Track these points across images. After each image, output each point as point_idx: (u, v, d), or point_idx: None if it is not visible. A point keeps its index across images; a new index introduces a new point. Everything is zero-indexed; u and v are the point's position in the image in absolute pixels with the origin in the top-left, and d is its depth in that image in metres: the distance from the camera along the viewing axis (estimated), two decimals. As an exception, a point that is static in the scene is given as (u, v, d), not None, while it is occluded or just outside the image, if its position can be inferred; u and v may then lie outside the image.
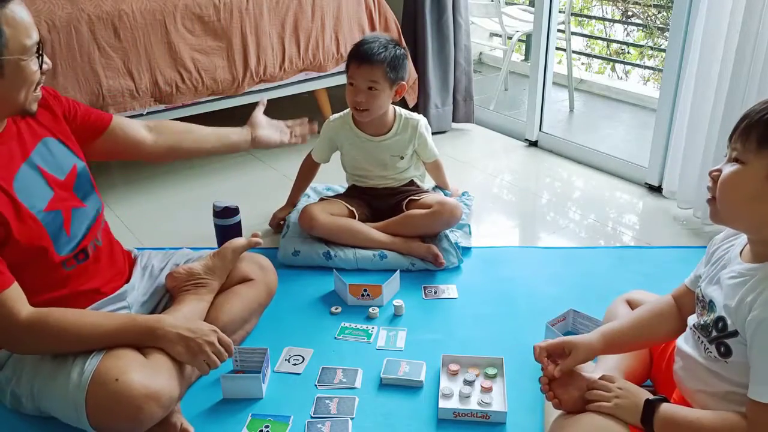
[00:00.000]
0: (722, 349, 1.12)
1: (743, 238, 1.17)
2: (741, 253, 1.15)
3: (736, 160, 1.09)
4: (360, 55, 2.07)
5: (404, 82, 2.13)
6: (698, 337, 1.18)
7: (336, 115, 2.29)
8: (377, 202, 2.27)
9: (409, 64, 2.15)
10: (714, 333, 1.14)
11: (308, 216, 2.13)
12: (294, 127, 2.03)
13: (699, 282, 1.24)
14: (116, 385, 1.28)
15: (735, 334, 1.09)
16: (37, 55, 1.31)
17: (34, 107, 1.38)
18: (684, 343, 1.23)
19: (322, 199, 2.28)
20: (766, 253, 1.10)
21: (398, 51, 2.10)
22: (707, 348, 1.15)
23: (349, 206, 2.21)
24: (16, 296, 1.31)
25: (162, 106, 2.61)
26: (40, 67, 1.34)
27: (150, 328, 1.40)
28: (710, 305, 1.17)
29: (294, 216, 2.28)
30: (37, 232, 1.37)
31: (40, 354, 1.39)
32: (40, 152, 1.44)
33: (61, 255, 1.42)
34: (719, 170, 1.11)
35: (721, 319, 1.12)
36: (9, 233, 1.32)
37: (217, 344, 1.42)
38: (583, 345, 1.29)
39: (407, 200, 2.21)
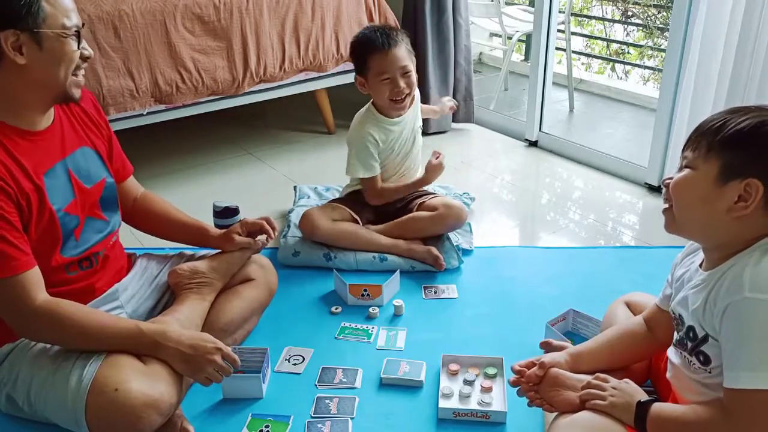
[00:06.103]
0: (701, 357, 1.15)
1: (700, 254, 1.21)
2: (701, 265, 1.19)
3: (687, 167, 1.14)
4: (381, 44, 2.06)
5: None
6: (680, 351, 1.22)
7: (361, 122, 2.18)
8: (383, 206, 2.24)
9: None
10: (689, 344, 1.17)
11: (309, 222, 2.11)
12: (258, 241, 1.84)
13: (669, 301, 1.28)
14: (115, 395, 1.29)
15: (706, 338, 1.13)
16: (75, 35, 1.35)
17: (77, 93, 1.41)
18: (672, 354, 1.26)
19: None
20: (720, 258, 1.13)
21: (402, 32, 2.16)
22: (690, 360, 1.18)
23: (352, 212, 2.17)
24: (35, 280, 1.32)
25: (162, 106, 2.62)
26: (81, 51, 1.37)
27: (154, 342, 1.39)
28: (681, 319, 1.20)
29: (295, 217, 2.28)
30: (51, 228, 1.39)
31: (43, 342, 1.40)
32: (75, 158, 1.48)
33: (64, 257, 1.43)
34: (671, 178, 1.16)
35: (690, 328, 1.16)
36: (29, 222, 1.34)
37: (220, 362, 1.40)
38: (550, 359, 1.35)
39: (416, 203, 2.18)
